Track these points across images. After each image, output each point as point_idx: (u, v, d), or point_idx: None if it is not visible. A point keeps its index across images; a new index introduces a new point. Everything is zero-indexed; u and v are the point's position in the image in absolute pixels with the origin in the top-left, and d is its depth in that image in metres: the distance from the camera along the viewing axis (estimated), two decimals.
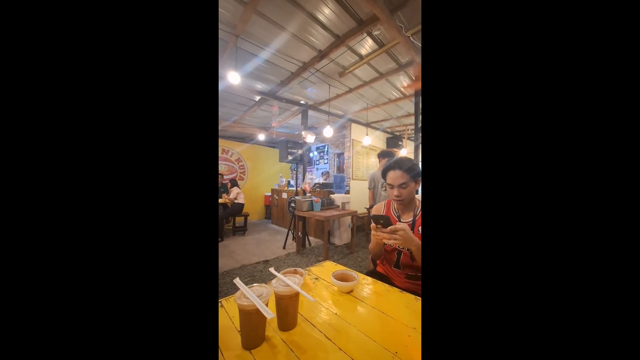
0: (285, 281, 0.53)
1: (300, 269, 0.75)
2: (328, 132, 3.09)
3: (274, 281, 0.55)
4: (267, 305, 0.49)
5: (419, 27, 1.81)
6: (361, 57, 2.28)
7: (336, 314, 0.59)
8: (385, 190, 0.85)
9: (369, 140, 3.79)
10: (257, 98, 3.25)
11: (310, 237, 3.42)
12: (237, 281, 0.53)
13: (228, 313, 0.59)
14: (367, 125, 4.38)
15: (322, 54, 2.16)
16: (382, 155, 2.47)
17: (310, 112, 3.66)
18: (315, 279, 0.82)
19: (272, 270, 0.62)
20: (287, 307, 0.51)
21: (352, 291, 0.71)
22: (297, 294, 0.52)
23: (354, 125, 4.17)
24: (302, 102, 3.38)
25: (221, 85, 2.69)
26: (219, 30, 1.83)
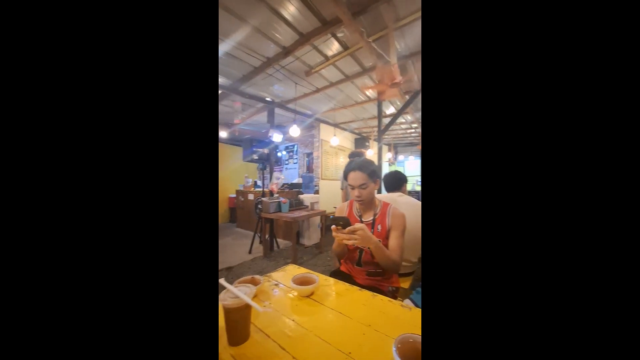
0: (235, 292, 0.48)
1: (259, 276, 0.70)
2: (295, 131, 3.04)
3: (222, 294, 0.50)
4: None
5: (380, 33, 1.90)
6: (327, 57, 2.30)
7: (293, 320, 0.57)
8: None
9: (337, 140, 3.88)
10: (219, 92, 3.02)
11: (278, 239, 3.33)
12: (223, 281, 0.51)
13: None
14: (335, 125, 4.47)
15: (286, 51, 2.12)
16: (352, 156, 2.55)
17: (278, 110, 3.56)
18: (276, 284, 0.78)
19: (221, 281, 0.57)
20: (237, 320, 0.47)
21: (312, 294, 0.69)
22: (247, 306, 0.48)
23: (322, 125, 4.21)
24: (268, 99, 3.26)
25: None
26: None
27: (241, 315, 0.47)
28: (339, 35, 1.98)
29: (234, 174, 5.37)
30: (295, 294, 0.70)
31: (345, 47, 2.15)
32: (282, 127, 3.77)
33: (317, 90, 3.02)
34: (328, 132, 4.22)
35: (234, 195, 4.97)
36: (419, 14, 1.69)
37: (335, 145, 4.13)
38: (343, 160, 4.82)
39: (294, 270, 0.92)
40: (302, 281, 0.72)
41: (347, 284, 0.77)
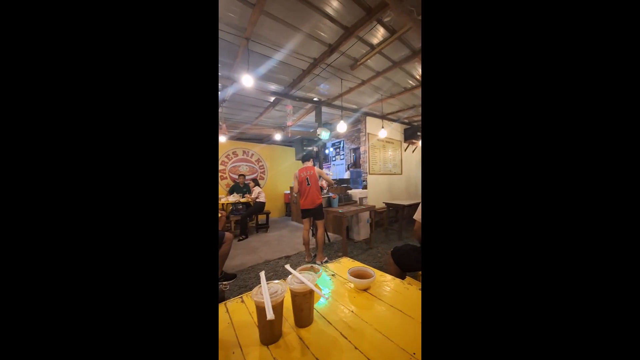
0: (300, 278, 0.53)
1: (317, 266, 0.76)
2: (342, 127, 3.04)
3: (289, 278, 0.56)
4: (282, 301, 0.50)
5: None
6: (372, 47, 2.20)
7: (352, 311, 0.59)
8: None
9: (385, 133, 3.66)
10: (272, 99, 3.30)
11: (329, 233, 3.43)
12: (262, 275, 0.55)
13: (248, 308, 0.62)
14: (383, 117, 4.22)
15: (332, 48, 2.12)
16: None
17: (324, 109, 3.63)
18: (332, 275, 0.82)
19: (287, 267, 0.63)
20: (302, 304, 0.52)
21: (369, 288, 0.70)
22: (311, 292, 0.53)
23: (368, 118, 4.05)
24: (315, 99, 3.37)
25: (236, 89, 2.79)
26: (229, 34, 1.89)
27: (306, 300, 0.52)
28: (385, 20, 1.85)
29: (288, 172, 5.83)
30: (352, 286, 0.72)
31: (392, 31, 1.99)
32: (329, 125, 3.83)
33: (363, 83, 2.92)
34: (375, 126, 4.04)
35: (288, 192, 5.42)
36: None
37: (383, 137, 3.92)
38: (391, 154, 4.52)
39: (348, 263, 0.94)
40: (358, 274, 0.73)
41: (405, 283, 0.73)
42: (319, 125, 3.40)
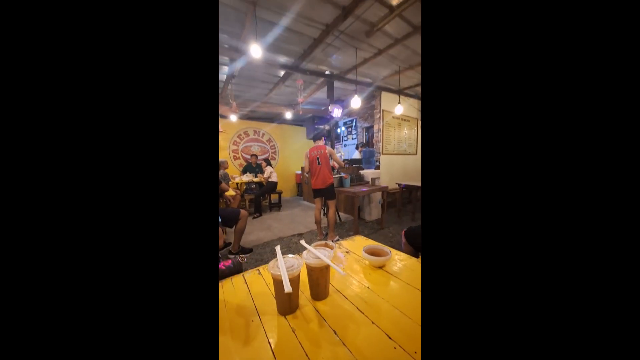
0: (316, 254, 0.53)
1: (331, 242, 0.75)
2: (356, 102, 2.86)
3: (304, 253, 0.56)
4: (299, 275, 0.50)
5: None
6: (392, 8, 1.95)
7: (368, 287, 0.58)
8: None
9: (401, 109, 3.42)
10: (282, 73, 3.15)
11: (340, 213, 3.47)
12: (278, 249, 0.56)
13: (265, 280, 0.63)
14: (399, 92, 3.93)
15: (346, 12, 1.92)
16: None
17: (336, 84, 3.42)
18: (346, 252, 0.82)
19: (302, 242, 0.63)
20: (318, 278, 0.52)
21: (384, 266, 0.69)
22: (327, 267, 0.52)
23: (384, 93, 3.78)
24: (327, 72, 3.16)
25: (245, 63, 2.67)
26: (235, 0, 1.75)
27: (322, 275, 0.52)
28: None
29: (299, 152, 5.79)
30: (367, 263, 0.71)
31: None
32: (341, 102, 3.64)
33: (379, 53, 2.67)
34: (390, 102, 3.77)
35: (300, 172, 5.44)
36: None
37: (399, 114, 3.68)
38: (407, 133, 4.28)
39: (362, 241, 0.93)
40: (373, 252, 0.72)
41: (419, 260, 0.72)
42: (330, 102, 3.24)
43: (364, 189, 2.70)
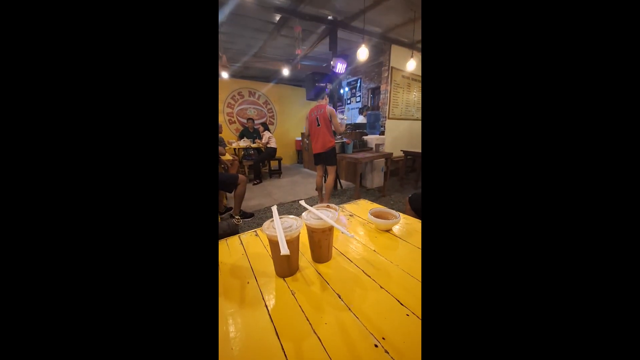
0: (318, 214, 0.46)
1: (334, 205, 0.69)
2: (363, 53, 2.48)
3: (304, 214, 0.49)
4: (298, 236, 0.44)
5: None
6: None
7: (375, 250, 0.53)
8: None
9: (414, 64, 3.05)
10: (277, 18, 2.71)
11: (341, 180, 3.42)
12: (274, 208, 0.50)
13: (262, 242, 0.59)
14: (412, 45, 3.46)
15: None
16: None
17: (340, 34, 2.98)
18: (350, 215, 0.77)
19: (302, 202, 0.56)
20: (320, 240, 0.46)
21: (390, 230, 0.64)
22: (330, 228, 0.46)
23: (394, 47, 3.32)
24: (329, 17, 2.72)
25: (233, 5, 2.27)
26: None
27: (325, 236, 0.46)
28: None
29: (299, 116, 5.45)
30: (373, 226, 0.66)
31: None
32: (345, 56, 3.23)
33: None
34: (401, 58, 3.33)
35: (300, 139, 5.21)
36: None
37: (410, 70, 3.29)
38: (416, 95, 3.92)
39: (366, 205, 0.87)
40: (379, 215, 0.66)
41: None
42: (333, 55, 2.87)
43: (367, 156, 2.59)
